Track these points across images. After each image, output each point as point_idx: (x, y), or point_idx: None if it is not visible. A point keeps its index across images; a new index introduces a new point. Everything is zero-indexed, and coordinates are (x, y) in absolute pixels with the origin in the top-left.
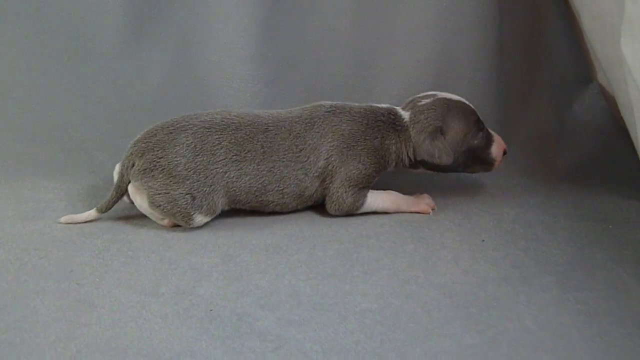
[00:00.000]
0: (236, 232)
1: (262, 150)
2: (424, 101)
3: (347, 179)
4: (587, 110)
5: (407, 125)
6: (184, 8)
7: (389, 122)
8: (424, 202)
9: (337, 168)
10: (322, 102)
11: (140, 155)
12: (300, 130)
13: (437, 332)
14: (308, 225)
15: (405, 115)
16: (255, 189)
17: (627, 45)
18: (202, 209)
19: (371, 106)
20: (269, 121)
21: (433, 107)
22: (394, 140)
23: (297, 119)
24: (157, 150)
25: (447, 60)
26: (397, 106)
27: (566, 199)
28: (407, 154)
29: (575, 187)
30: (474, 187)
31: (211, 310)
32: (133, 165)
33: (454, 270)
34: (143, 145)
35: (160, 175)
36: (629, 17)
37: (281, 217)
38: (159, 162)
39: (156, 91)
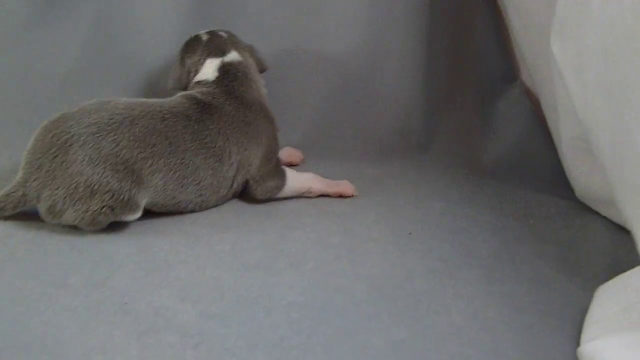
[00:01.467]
0: (155, 220)
1: (167, 142)
2: (224, 36)
3: (263, 155)
4: (510, 107)
5: (242, 62)
6: None
7: (241, 73)
8: (344, 184)
9: (249, 151)
10: (181, 93)
11: (36, 196)
12: (198, 115)
13: (365, 326)
14: (232, 215)
15: (232, 56)
16: (171, 187)
17: (556, 44)
18: (126, 212)
19: (213, 81)
20: (163, 109)
21: (230, 36)
22: (255, 83)
23: (187, 104)
24: (50, 182)
25: (376, 50)
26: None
27: (490, 193)
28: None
29: (498, 182)
30: (399, 180)
31: (126, 303)
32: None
33: (382, 263)
34: (35, 183)
35: (69, 206)
36: (559, 17)
37: None
38: (56, 193)
39: (72, 65)
